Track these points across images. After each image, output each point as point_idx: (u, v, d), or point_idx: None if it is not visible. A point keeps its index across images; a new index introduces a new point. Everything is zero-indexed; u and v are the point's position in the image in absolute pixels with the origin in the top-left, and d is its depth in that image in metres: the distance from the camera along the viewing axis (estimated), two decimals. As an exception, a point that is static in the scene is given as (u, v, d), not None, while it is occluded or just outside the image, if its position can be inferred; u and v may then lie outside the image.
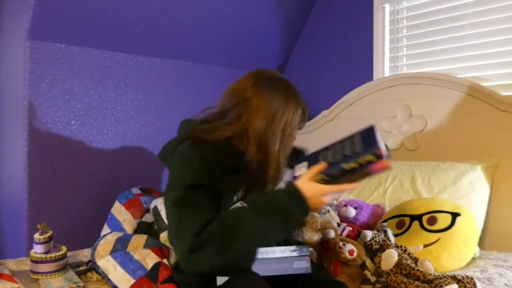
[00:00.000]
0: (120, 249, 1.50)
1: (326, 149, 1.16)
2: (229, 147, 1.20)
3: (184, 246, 1.00)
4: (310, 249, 1.33)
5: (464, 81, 2.02)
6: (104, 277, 1.42)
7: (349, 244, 1.43)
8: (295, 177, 1.12)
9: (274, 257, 1.17)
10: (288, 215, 1.04)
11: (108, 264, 1.44)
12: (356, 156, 1.03)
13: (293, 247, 1.21)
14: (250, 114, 1.18)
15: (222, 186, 1.16)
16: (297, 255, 1.19)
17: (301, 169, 1.13)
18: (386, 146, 1.08)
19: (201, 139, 1.19)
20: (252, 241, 1.01)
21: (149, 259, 1.44)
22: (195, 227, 1.01)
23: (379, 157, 1.01)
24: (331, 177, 1.06)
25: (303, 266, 1.18)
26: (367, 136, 1.08)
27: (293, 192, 1.05)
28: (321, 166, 1.06)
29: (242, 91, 1.23)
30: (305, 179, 1.06)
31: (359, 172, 1.05)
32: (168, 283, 1.32)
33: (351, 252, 1.41)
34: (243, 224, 1.01)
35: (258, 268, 1.11)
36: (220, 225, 1.01)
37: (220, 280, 1.06)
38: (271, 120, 1.18)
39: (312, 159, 1.13)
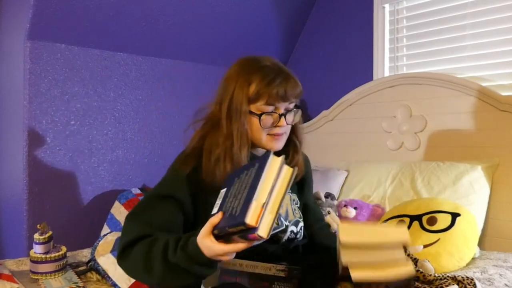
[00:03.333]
0: (120, 249, 1.50)
1: (239, 174, 0.97)
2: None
3: (118, 249, 1.09)
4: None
5: (464, 81, 2.01)
6: (104, 275, 1.42)
7: None
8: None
9: (251, 272, 1.06)
10: (192, 277, 0.99)
11: (108, 262, 1.44)
12: (234, 223, 0.86)
13: (282, 267, 1.07)
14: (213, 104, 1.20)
15: (205, 203, 1.11)
16: (282, 275, 1.06)
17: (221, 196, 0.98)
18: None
19: (189, 153, 1.20)
20: (160, 281, 1.02)
21: (149, 260, 1.43)
22: (129, 236, 1.06)
23: (249, 228, 0.84)
24: (223, 234, 0.91)
25: None
26: (257, 175, 0.88)
27: (195, 257, 0.94)
28: (216, 219, 0.92)
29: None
30: (203, 236, 0.93)
31: (243, 236, 0.88)
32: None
33: None
34: (155, 267, 1.00)
35: (231, 280, 1.02)
36: (143, 251, 1.03)
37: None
38: (220, 102, 1.16)
39: (227, 185, 0.99)
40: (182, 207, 1.12)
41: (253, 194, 0.85)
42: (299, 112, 1.19)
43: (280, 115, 1.14)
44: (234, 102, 1.13)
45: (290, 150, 1.24)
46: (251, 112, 1.13)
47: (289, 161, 1.23)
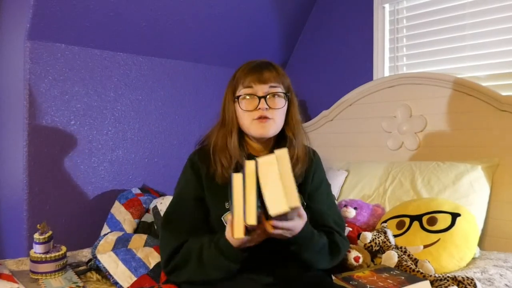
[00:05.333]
0: (121, 248, 1.50)
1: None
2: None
3: (162, 266, 1.23)
4: None
5: (464, 81, 2.02)
6: (105, 272, 1.42)
7: (354, 251, 1.42)
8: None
9: None
10: (226, 272, 1.13)
11: (110, 260, 1.44)
12: None
13: None
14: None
15: (210, 193, 1.24)
16: None
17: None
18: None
19: (201, 147, 1.31)
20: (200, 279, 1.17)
21: (152, 258, 1.44)
22: (166, 252, 1.21)
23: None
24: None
25: None
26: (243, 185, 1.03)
27: (226, 250, 1.10)
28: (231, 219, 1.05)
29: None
30: (227, 233, 1.09)
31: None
32: (170, 284, 1.32)
33: (356, 259, 1.40)
34: (192, 271, 1.17)
35: None
36: (181, 260, 1.18)
37: None
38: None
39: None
40: (201, 203, 1.25)
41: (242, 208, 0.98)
42: (281, 97, 1.23)
43: (260, 98, 1.20)
44: (226, 96, 1.27)
45: (283, 144, 1.28)
46: (234, 99, 1.24)
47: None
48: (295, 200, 0.96)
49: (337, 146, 2.52)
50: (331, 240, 1.26)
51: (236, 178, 1.01)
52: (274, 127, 1.23)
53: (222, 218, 1.22)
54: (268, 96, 1.21)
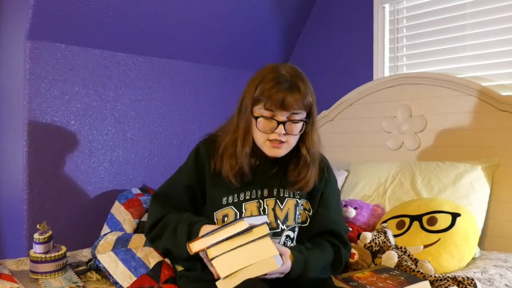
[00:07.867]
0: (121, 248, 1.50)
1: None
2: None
3: (145, 233, 1.33)
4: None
5: (464, 81, 2.02)
6: (105, 272, 1.42)
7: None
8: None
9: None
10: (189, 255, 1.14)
11: (109, 259, 1.44)
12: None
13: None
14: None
15: (211, 186, 1.24)
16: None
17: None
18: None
19: (212, 138, 1.29)
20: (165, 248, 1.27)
21: (151, 258, 1.43)
22: (151, 220, 1.28)
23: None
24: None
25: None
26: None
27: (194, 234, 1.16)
28: (208, 231, 1.10)
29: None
30: (204, 230, 1.14)
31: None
32: (170, 284, 1.32)
33: (352, 256, 1.41)
34: (166, 242, 1.25)
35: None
36: (160, 230, 1.25)
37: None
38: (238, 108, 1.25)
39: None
40: (191, 192, 1.28)
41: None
42: (299, 123, 1.19)
43: (279, 123, 1.15)
44: (244, 101, 1.20)
45: (292, 162, 1.26)
46: (252, 114, 1.17)
47: (290, 174, 1.25)
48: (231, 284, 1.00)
49: (337, 146, 2.52)
50: (336, 253, 1.27)
51: (240, 223, 1.04)
52: (287, 149, 1.21)
53: (214, 213, 1.23)
54: (288, 122, 1.17)
